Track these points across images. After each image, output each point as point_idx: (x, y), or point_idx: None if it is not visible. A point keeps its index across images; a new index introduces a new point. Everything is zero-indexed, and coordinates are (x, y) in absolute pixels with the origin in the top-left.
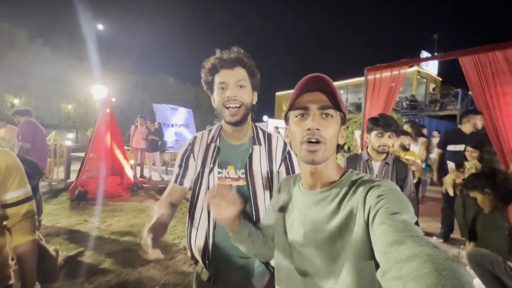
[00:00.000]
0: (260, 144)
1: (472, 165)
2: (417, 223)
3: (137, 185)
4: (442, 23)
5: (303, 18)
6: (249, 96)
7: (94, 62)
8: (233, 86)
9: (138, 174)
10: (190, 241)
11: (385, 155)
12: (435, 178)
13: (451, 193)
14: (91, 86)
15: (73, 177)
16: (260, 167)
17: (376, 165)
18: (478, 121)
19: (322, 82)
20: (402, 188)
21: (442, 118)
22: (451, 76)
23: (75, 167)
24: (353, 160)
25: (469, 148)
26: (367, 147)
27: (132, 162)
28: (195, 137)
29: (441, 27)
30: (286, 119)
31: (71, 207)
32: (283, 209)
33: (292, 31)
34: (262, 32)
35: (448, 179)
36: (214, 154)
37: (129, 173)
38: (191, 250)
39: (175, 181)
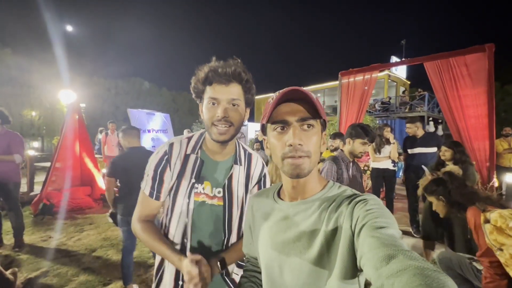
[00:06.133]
0: (240, 164)
1: (449, 170)
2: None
3: None
4: (409, 30)
5: (282, 24)
6: (241, 116)
7: (62, 66)
8: (225, 104)
9: None
10: (162, 263)
11: None
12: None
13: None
14: (59, 91)
15: (37, 189)
16: (237, 188)
17: (350, 165)
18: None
19: (299, 92)
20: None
21: None
22: (419, 79)
23: (40, 178)
24: (338, 161)
25: (443, 148)
26: (341, 149)
27: (105, 170)
28: (171, 145)
29: (408, 34)
30: (263, 130)
31: (34, 222)
32: (258, 225)
33: (271, 36)
34: (239, 36)
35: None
36: (197, 168)
37: (101, 182)
38: (161, 275)
39: (150, 195)
